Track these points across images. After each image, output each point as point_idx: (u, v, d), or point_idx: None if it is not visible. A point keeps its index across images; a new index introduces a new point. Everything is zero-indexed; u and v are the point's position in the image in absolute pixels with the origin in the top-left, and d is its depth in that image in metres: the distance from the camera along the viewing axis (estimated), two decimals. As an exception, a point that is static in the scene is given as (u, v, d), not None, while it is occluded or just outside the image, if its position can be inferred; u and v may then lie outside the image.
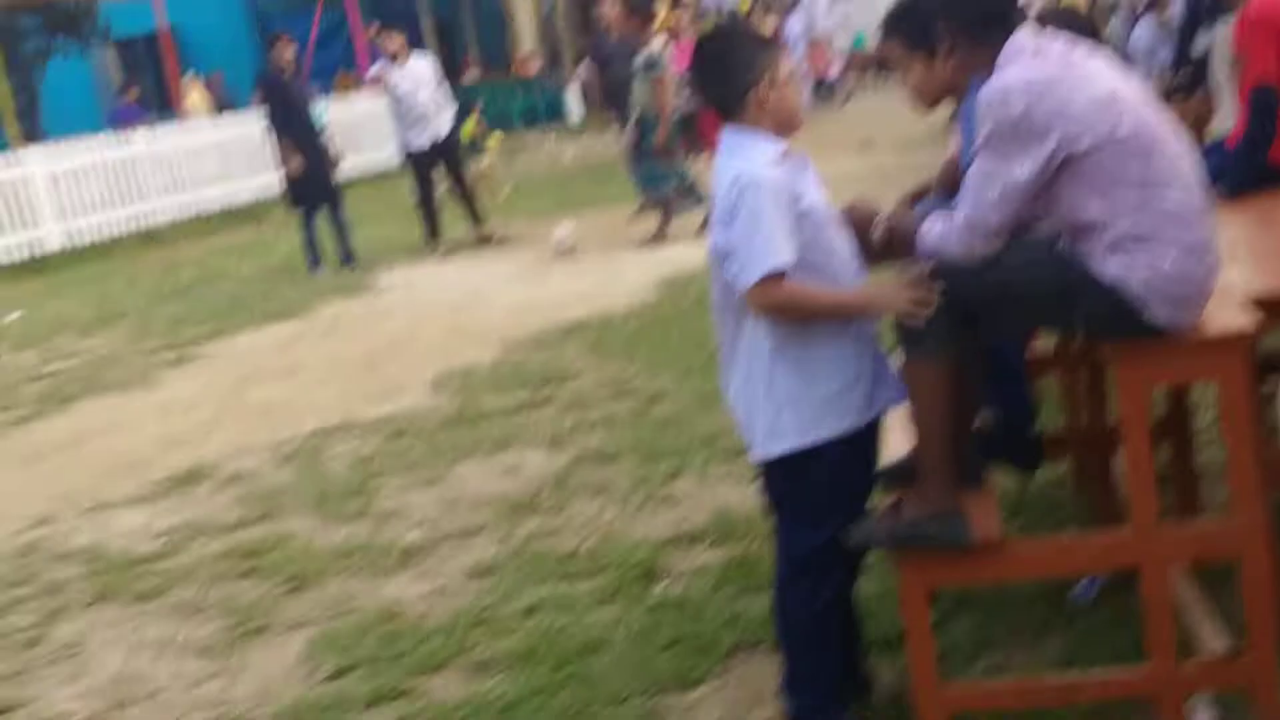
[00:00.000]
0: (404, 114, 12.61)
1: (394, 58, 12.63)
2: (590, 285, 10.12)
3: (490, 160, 16.88)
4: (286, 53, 12.35)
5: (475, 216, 13.08)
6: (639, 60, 11.83)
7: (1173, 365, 3.22)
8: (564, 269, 11.10)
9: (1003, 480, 4.20)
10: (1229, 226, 4.75)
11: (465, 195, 13.06)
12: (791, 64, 3.42)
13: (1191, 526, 3.54)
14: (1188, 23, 9.58)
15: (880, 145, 15.24)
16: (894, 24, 3.92)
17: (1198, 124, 8.84)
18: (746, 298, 3.23)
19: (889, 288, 3.26)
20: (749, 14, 20.64)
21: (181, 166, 17.67)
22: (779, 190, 3.22)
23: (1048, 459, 4.22)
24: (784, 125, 3.36)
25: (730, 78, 3.36)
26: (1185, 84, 9.54)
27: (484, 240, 12.93)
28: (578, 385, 7.23)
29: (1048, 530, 4.34)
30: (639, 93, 11.74)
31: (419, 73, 12.70)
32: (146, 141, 17.42)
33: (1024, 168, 3.17)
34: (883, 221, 3.56)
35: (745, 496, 5.01)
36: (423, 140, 12.67)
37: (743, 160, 3.28)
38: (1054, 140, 3.13)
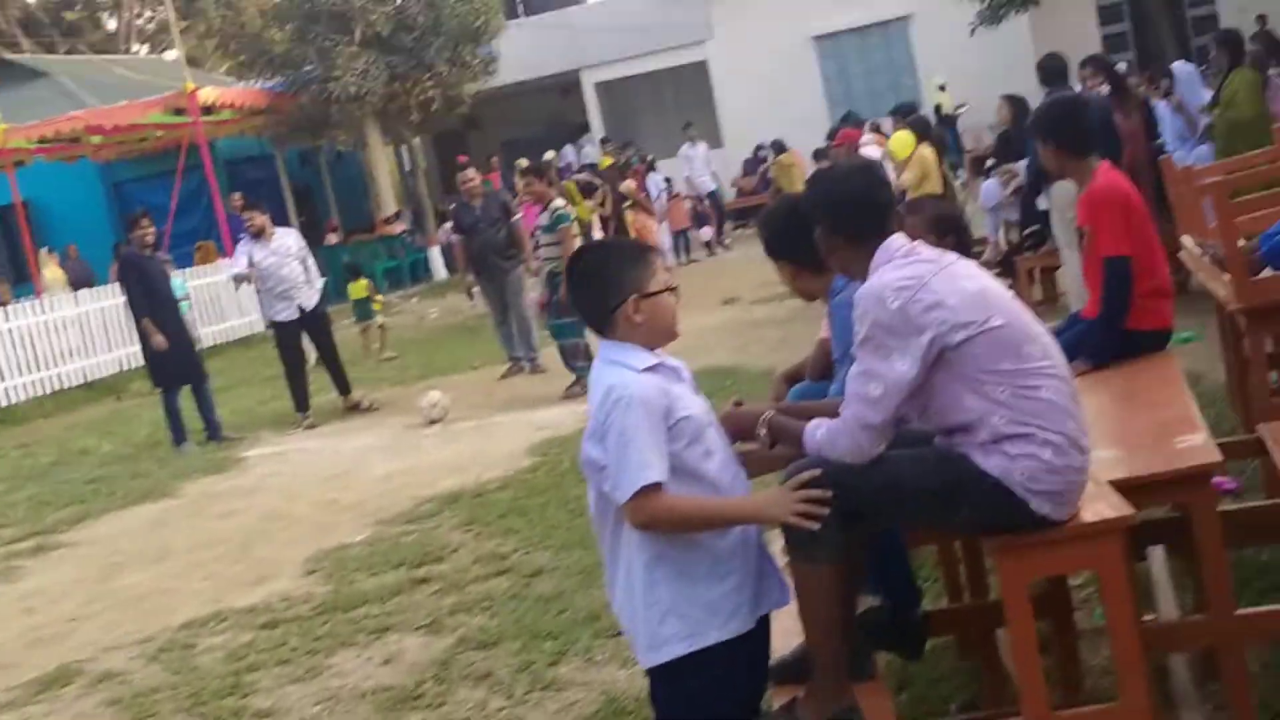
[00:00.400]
0: (270, 288, 12.50)
1: (258, 235, 12.55)
2: (463, 453, 10.06)
3: (382, 320, 16.90)
4: (148, 233, 12.24)
5: (343, 386, 12.97)
6: (543, 218, 12.07)
7: (1052, 557, 3.30)
8: (435, 437, 11.03)
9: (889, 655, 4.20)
10: (1093, 401, 4.91)
11: (333, 365, 12.95)
12: (667, 274, 3.44)
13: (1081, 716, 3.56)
14: (1031, 184, 9.98)
15: (744, 299, 15.48)
16: (779, 248, 4.09)
17: (1045, 276, 9.26)
18: (625, 514, 3.21)
19: (775, 495, 3.27)
20: (610, 168, 20.95)
21: (39, 343, 17.31)
22: (652, 404, 3.21)
23: (932, 633, 4.25)
24: (657, 337, 3.37)
25: (601, 295, 3.38)
26: (1033, 241, 9.91)
27: (352, 409, 12.82)
28: (455, 562, 7.12)
29: (936, 703, 4.35)
30: (547, 249, 11.93)
31: (284, 246, 12.61)
32: (2, 319, 17.06)
33: (903, 364, 3.25)
34: (764, 424, 3.60)
35: (633, 678, 4.95)
36: (290, 312, 12.53)
37: (616, 373, 3.28)
38: (929, 335, 3.23)
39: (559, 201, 12.23)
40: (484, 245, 13.05)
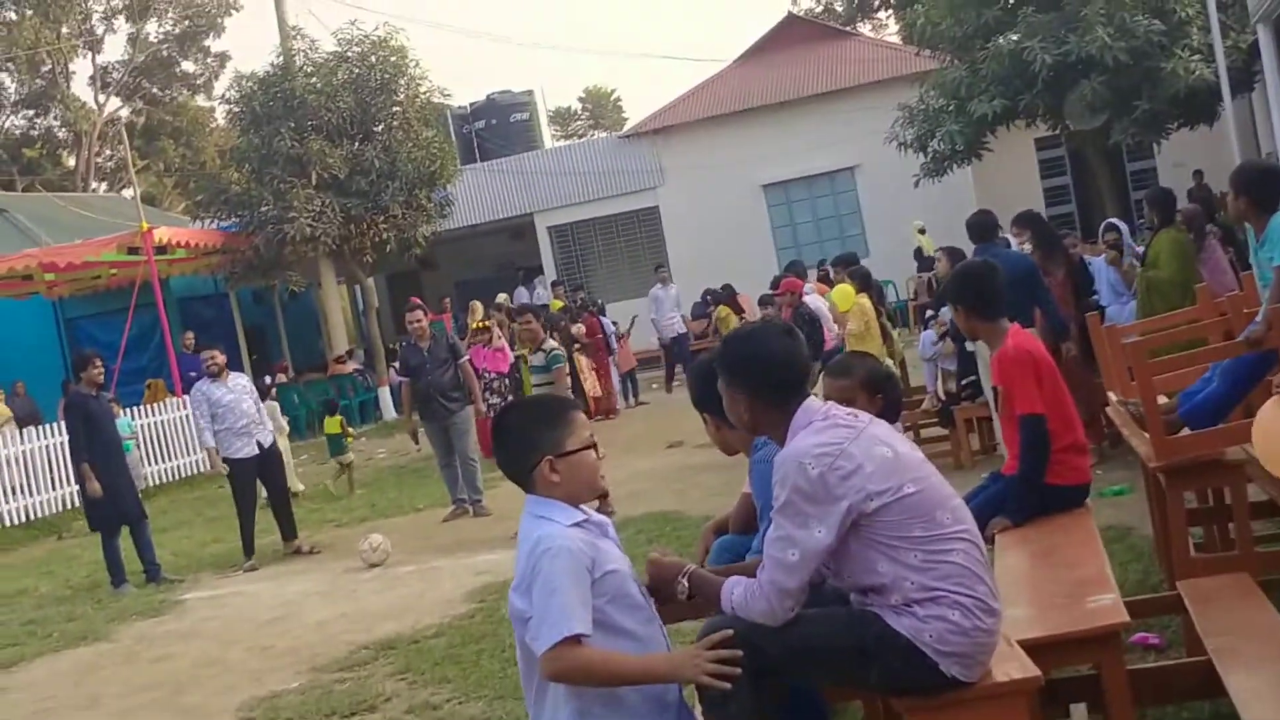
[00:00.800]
0: (229, 425, 12.53)
1: (217, 375, 12.63)
2: (401, 598, 10.03)
3: (352, 457, 16.99)
4: (98, 373, 12.30)
5: (288, 529, 12.93)
6: (537, 357, 12.30)
7: (963, 717, 3.36)
8: (374, 581, 10.98)
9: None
10: (1012, 558, 5.02)
11: (282, 506, 12.93)
12: (588, 433, 3.53)
13: None
14: (956, 334, 10.18)
15: (689, 444, 15.58)
16: (704, 401, 4.22)
17: (982, 425, 9.42)
18: (541, 663, 3.27)
19: (688, 654, 3.34)
20: (563, 311, 21.16)
21: (-19, 480, 17.18)
22: (577, 557, 3.30)
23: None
24: (579, 494, 3.47)
25: (518, 454, 3.49)
26: (970, 391, 10.08)
27: (294, 552, 12.77)
28: (387, 712, 7.09)
29: None
30: (541, 388, 12.12)
31: (240, 384, 12.77)
32: (-56, 456, 16.95)
33: (821, 531, 3.34)
34: (685, 576, 3.68)
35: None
36: (249, 449, 12.57)
37: (543, 526, 3.37)
38: (846, 503, 3.33)
39: (552, 342, 12.53)
40: (431, 386, 13.13)
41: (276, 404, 17.68)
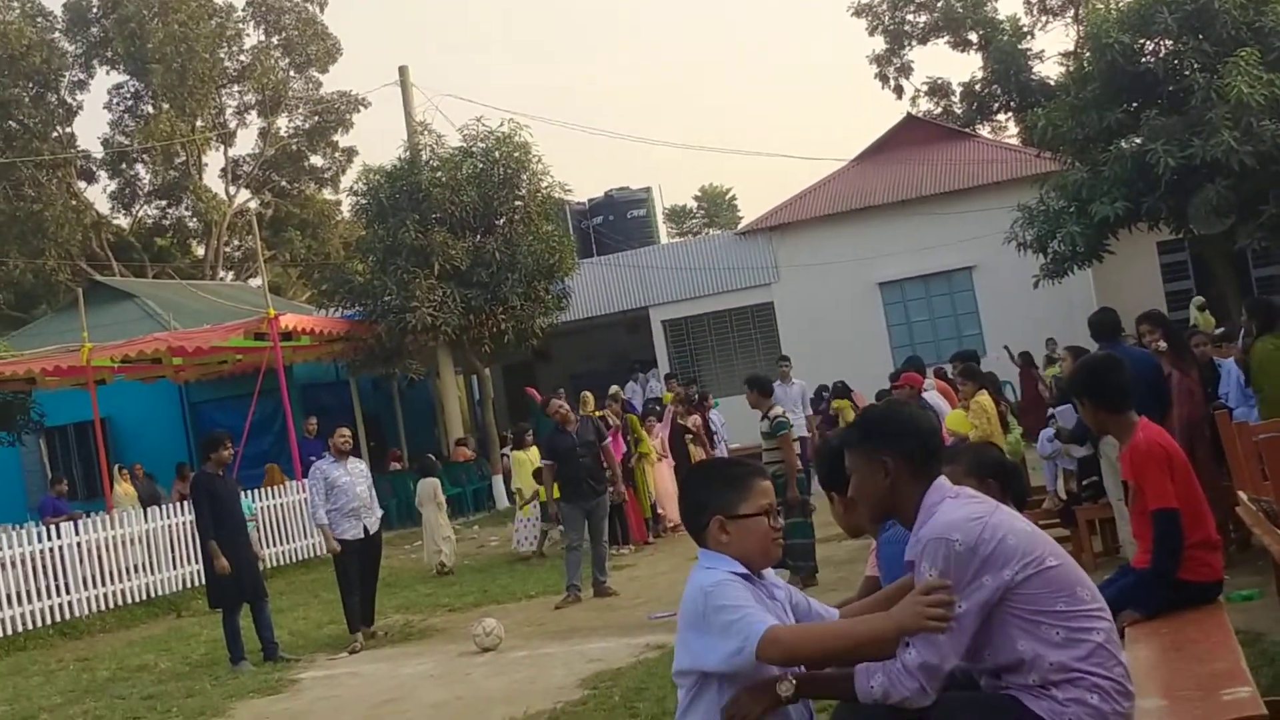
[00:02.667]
0: (341, 505, 12.77)
1: (342, 454, 12.91)
2: (514, 683, 10.03)
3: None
4: (227, 455, 12.58)
5: (369, 615, 13.07)
6: (763, 425, 12.65)
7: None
8: (486, 665, 11.01)
9: None
10: (1143, 650, 4.93)
11: (370, 591, 13.11)
12: (765, 501, 3.58)
13: None
14: (1076, 435, 10.04)
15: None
16: (833, 480, 4.24)
17: (1104, 526, 9.24)
18: (759, 654, 3.25)
19: (909, 603, 3.27)
20: (673, 404, 21.20)
21: (105, 558, 17.54)
22: (746, 588, 3.36)
23: None
24: (749, 558, 3.52)
25: (695, 508, 3.59)
26: (1091, 492, 9.91)
27: (370, 637, 12.87)
28: (501, 793, 7.09)
29: None
30: (768, 453, 12.42)
31: (358, 468, 13.10)
32: (70, 535, 17.33)
33: (969, 604, 3.31)
34: (788, 678, 3.56)
35: None
36: (356, 530, 12.82)
37: (709, 574, 3.45)
38: (994, 573, 3.30)
39: (778, 409, 12.70)
40: (581, 469, 13.42)
41: (436, 480, 18.05)
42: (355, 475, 12.95)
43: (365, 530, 12.87)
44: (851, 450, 3.72)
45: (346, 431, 13.26)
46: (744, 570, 3.47)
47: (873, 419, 3.78)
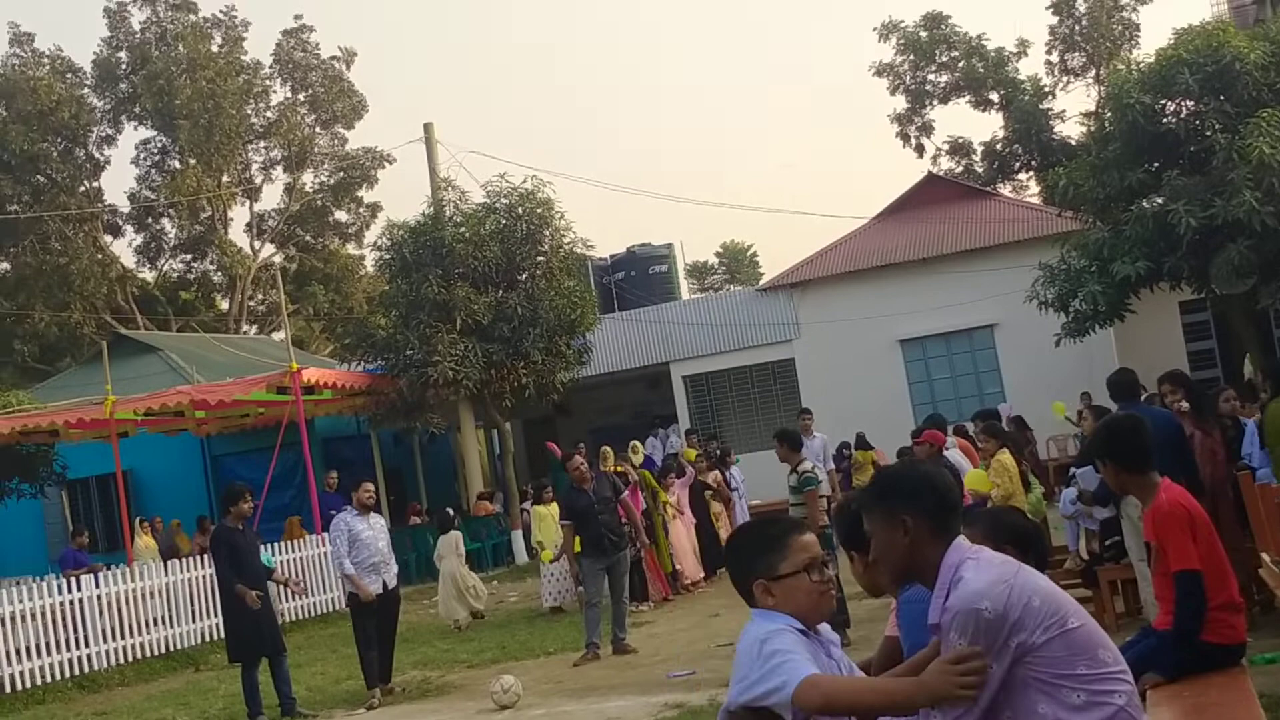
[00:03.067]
0: (362, 560, 12.78)
1: (365, 508, 12.94)
2: (533, 741, 10.01)
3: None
4: (247, 508, 12.63)
5: (386, 672, 13.02)
6: (791, 479, 12.55)
7: None
8: (507, 723, 10.98)
9: None
10: (1165, 713, 4.90)
11: (388, 647, 13.09)
12: (805, 556, 3.62)
13: None
14: (1099, 496, 9.99)
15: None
16: (853, 538, 4.24)
17: (1127, 587, 9.17)
18: (796, 698, 3.28)
19: (938, 668, 3.32)
20: (695, 462, 21.20)
21: (125, 611, 17.55)
22: (804, 643, 3.39)
23: None
24: (801, 616, 3.55)
25: (740, 573, 3.67)
26: (1113, 552, 9.86)
27: (387, 693, 12.83)
28: None
29: None
30: (795, 509, 12.36)
31: (379, 522, 13.17)
32: (90, 588, 17.35)
33: (999, 663, 3.31)
34: None
35: None
36: (376, 585, 12.82)
37: (765, 627, 3.49)
38: (1019, 636, 3.30)
39: (807, 464, 12.68)
40: (600, 526, 13.45)
41: (458, 534, 18.18)
42: (377, 530, 12.99)
43: (385, 585, 12.88)
44: (869, 512, 3.72)
45: (371, 486, 13.32)
46: (800, 625, 3.51)
47: (889, 479, 3.78)
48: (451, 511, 19.58)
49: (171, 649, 17.94)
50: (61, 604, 16.77)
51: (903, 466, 3.92)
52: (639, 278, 34.44)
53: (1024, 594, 3.35)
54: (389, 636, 13.14)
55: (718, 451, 23.08)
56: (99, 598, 17.27)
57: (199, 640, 18.23)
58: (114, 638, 17.31)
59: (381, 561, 12.88)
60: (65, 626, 16.73)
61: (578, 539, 13.89)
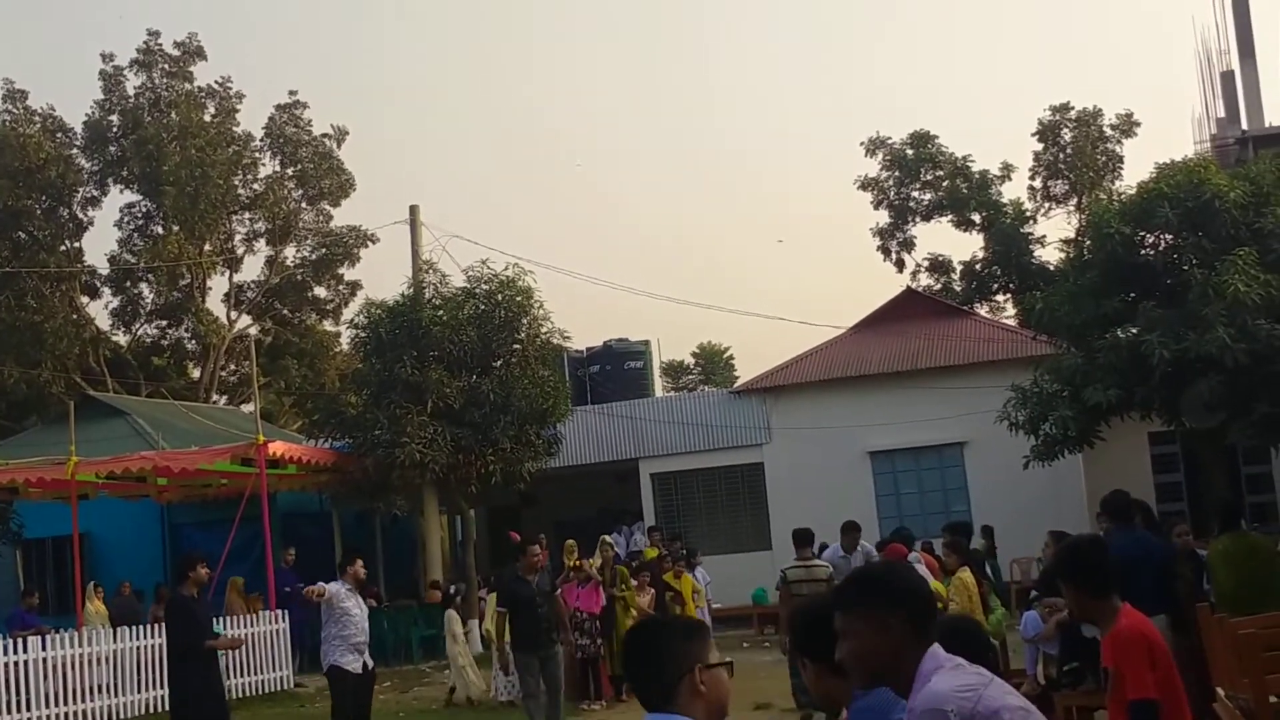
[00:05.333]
0: (346, 635, 12.81)
1: (359, 584, 13.20)
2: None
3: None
4: (205, 574, 12.55)
5: None
6: (802, 573, 13.80)
7: None
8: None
9: None
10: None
11: None
12: (716, 651, 3.57)
13: None
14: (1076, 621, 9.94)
15: (777, 706, 15.26)
16: (810, 645, 4.18)
17: (1081, 715, 9.12)
18: None
19: None
20: (655, 561, 21.10)
21: (71, 675, 17.27)
22: None
23: None
24: (714, 713, 3.46)
25: (669, 663, 3.47)
26: (1071, 679, 9.82)
27: None
28: None
29: None
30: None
31: (364, 604, 13.28)
32: (37, 650, 17.07)
33: None
34: None
35: None
36: (356, 665, 12.88)
37: None
38: None
39: (823, 570, 13.20)
40: (539, 619, 13.48)
41: (455, 613, 18.14)
42: (363, 612, 13.09)
43: (365, 666, 12.98)
44: (848, 611, 3.63)
45: (359, 562, 13.37)
46: None
47: (873, 578, 3.73)
48: (452, 589, 19.62)
49: (116, 718, 17.63)
50: (6, 664, 16.49)
51: (886, 568, 3.88)
52: (614, 372, 34.47)
53: (992, 704, 3.32)
54: (364, 718, 13.15)
55: (683, 551, 23.01)
56: (45, 660, 17.00)
57: (143, 711, 17.94)
58: (58, 702, 17.03)
59: (364, 641, 12.94)
60: (8, 688, 16.44)
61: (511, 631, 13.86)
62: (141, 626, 18.95)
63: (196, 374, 47.40)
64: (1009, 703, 3.38)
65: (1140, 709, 5.31)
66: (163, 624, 18.10)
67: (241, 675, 19.55)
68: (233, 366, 48.05)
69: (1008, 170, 41.86)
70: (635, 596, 18.07)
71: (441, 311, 25.70)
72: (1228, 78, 27.70)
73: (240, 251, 47.33)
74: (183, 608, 12.42)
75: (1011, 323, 34.70)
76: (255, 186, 46.45)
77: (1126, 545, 9.52)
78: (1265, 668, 5.75)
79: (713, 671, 3.46)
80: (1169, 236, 21.58)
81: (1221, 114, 27.92)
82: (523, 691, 13.79)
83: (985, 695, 3.34)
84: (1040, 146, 42.75)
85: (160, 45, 44.91)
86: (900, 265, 43.41)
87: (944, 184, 41.60)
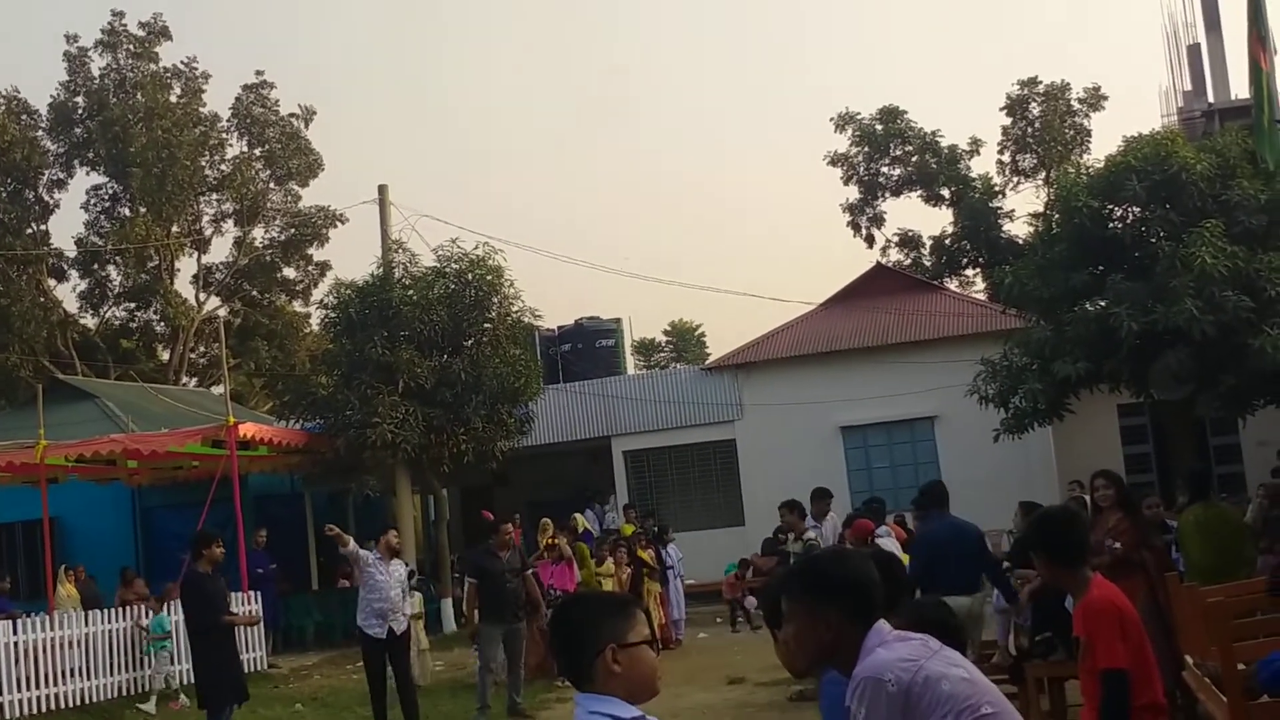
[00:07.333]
0: (372, 603, 13.15)
1: (394, 553, 13.54)
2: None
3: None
4: (219, 552, 12.67)
5: (413, 716, 13.33)
6: (796, 545, 13.61)
7: None
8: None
9: None
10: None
11: (408, 692, 13.40)
12: (647, 631, 3.49)
13: None
14: (1048, 591, 10.01)
15: (750, 680, 15.32)
16: (776, 617, 4.18)
17: (1053, 685, 9.18)
18: None
19: None
20: (631, 538, 21.15)
21: (43, 660, 17.20)
22: None
23: None
24: (636, 691, 3.37)
25: (582, 642, 3.39)
26: (1042, 649, 9.89)
27: None
28: None
29: None
30: None
31: (399, 574, 13.53)
32: (8, 634, 16.99)
33: None
34: None
35: None
36: (380, 630, 13.18)
37: None
38: (929, 716, 3.28)
39: (811, 534, 13.04)
40: (506, 594, 13.60)
41: (420, 595, 18.61)
42: (393, 578, 13.29)
43: (392, 631, 13.20)
44: (792, 599, 3.65)
45: (393, 533, 13.85)
46: (635, 713, 3.33)
47: (818, 572, 3.72)
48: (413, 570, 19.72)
49: (87, 701, 17.59)
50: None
51: (830, 560, 3.81)
52: (585, 350, 34.44)
53: (934, 675, 3.33)
54: (405, 679, 13.43)
55: (655, 528, 23.06)
56: (16, 644, 16.92)
57: (116, 694, 17.86)
58: (29, 686, 16.95)
59: (389, 609, 13.14)
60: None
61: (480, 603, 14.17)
62: (109, 610, 18.87)
63: (165, 356, 47.14)
64: (951, 673, 3.38)
65: (1111, 678, 5.35)
66: (129, 606, 18.24)
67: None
68: (202, 348, 47.80)
69: (976, 145, 41.93)
70: (594, 575, 18.08)
71: (412, 291, 25.62)
72: (1194, 51, 27.74)
73: (208, 233, 47.06)
74: (195, 585, 12.53)
75: (981, 297, 34.81)
76: (223, 167, 46.15)
77: (941, 530, 11.31)
78: (1233, 635, 5.79)
79: (631, 650, 3.36)
80: (1137, 209, 21.63)
81: (1188, 87, 27.95)
82: (479, 663, 14.14)
83: (926, 665, 3.35)
84: (1009, 121, 42.85)
85: (125, 26, 44.54)
86: (870, 241, 43.50)
87: (913, 159, 41.63)
